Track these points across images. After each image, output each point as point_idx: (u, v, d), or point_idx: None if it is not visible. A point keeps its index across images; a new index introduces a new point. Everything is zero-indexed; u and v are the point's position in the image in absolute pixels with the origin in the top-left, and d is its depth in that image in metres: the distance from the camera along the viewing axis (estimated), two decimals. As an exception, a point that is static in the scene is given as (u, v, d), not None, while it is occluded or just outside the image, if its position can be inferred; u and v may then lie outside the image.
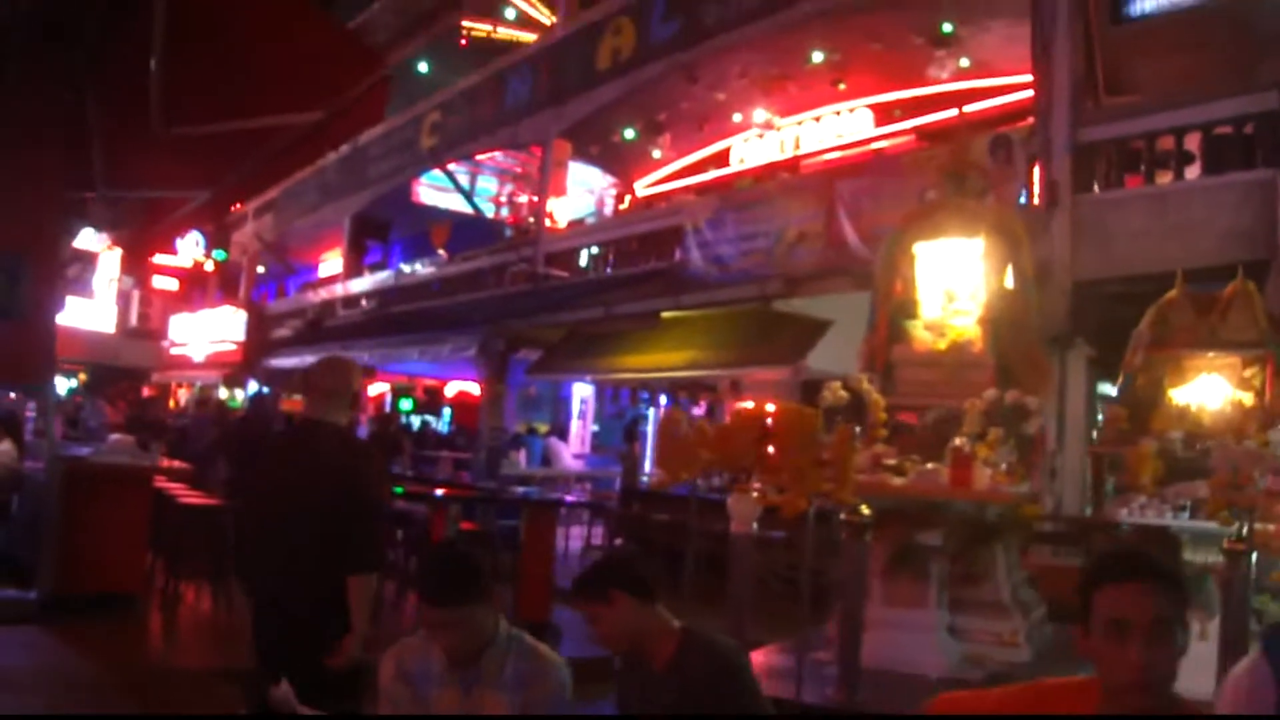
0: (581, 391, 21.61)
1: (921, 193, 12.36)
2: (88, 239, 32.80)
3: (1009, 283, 8.78)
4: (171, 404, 33.58)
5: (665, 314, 13.64)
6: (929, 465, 7.41)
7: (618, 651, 3.70)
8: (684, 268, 15.59)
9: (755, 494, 6.32)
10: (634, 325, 14.17)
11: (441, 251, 24.81)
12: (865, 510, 6.59)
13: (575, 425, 22.11)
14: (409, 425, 24.14)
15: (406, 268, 25.44)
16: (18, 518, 10.36)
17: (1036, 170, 12.44)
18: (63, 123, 9.60)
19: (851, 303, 12.28)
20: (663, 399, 20.86)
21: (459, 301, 21.05)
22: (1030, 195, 13.06)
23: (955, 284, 8.87)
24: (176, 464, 11.07)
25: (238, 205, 22.97)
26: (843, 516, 6.66)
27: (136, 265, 31.95)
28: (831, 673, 7.09)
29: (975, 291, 8.76)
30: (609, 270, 19.51)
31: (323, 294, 28.33)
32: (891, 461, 7.59)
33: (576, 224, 23.09)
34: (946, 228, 8.91)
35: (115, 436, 10.50)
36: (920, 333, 8.76)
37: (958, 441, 7.45)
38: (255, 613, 4.85)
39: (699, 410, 18.30)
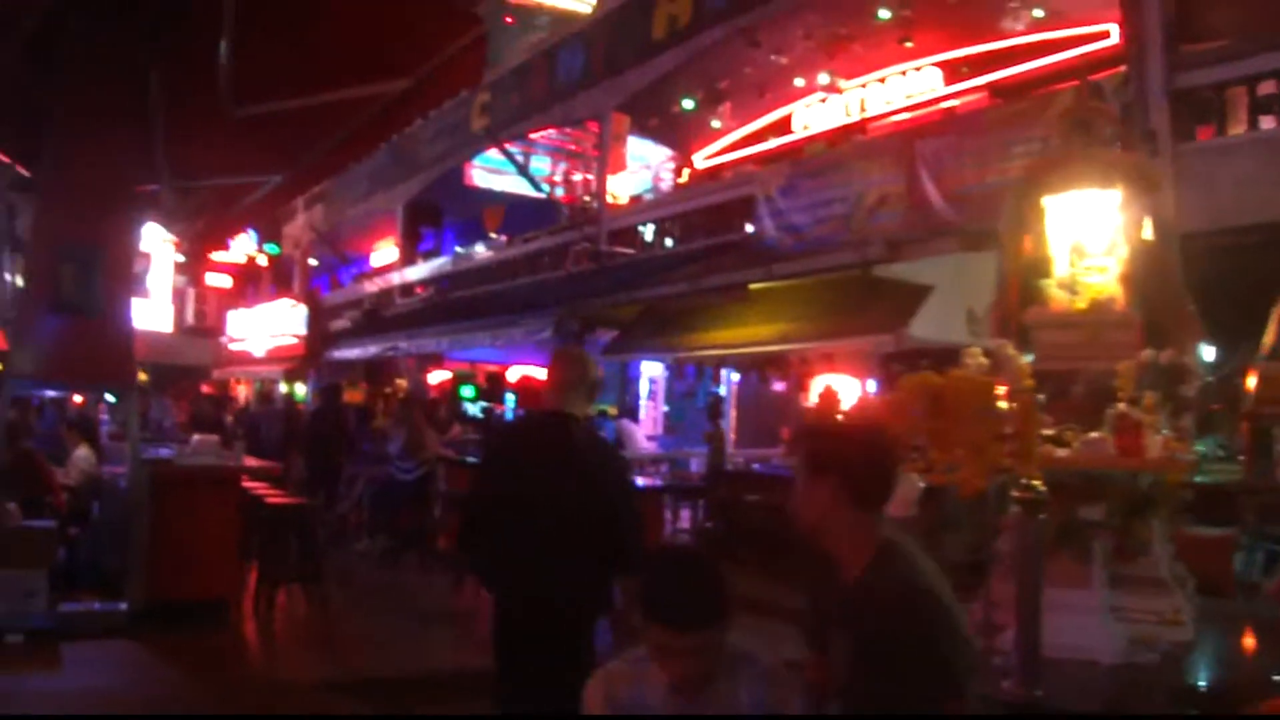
0: (651, 371, 20.98)
1: (1006, 147, 11.68)
2: (149, 236, 32.65)
3: (1146, 234, 8.06)
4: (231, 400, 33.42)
5: (753, 285, 12.96)
6: (1092, 434, 6.71)
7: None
8: (757, 239, 14.93)
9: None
10: (720, 299, 13.51)
11: (498, 235, 24.20)
12: (1040, 485, 5.92)
13: (645, 406, 21.46)
14: (465, 412, 23.59)
15: (463, 252, 24.86)
16: (99, 524, 9.88)
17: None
18: (128, 110, 9.08)
19: (949, 265, 11.65)
20: (734, 376, 20.25)
21: (524, 284, 20.50)
22: (1126, 146, 12.27)
23: (1086, 238, 8.16)
24: (257, 462, 10.55)
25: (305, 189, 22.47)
26: (1015, 493, 5.99)
27: (200, 260, 31.68)
28: (1000, 662, 6.42)
29: (1111, 245, 8.04)
30: (670, 245, 18.93)
31: (378, 283, 27.84)
32: (1049, 431, 6.89)
33: (635, 199, 22.41)
34: (1078, 178, 8.17)
35: (197, 437, 10.00)
36: (1055, 292, 8.04)
37: (1121, 407, 6.74)
38: (500, 611, 4.53)
39: (780, 386, 17.66)
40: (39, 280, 8.51)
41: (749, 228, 16.71)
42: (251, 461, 10.22)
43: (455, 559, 11.68)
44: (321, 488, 11.99)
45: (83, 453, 10.40)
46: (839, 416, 12.53)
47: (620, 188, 21.12)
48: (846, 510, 2.96)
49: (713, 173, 21.80)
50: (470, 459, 13.64)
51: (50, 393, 13.20)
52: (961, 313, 12.56)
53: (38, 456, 9.72)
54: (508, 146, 21.17)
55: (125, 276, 8.65)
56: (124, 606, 8.51)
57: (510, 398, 27.50)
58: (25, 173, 9.60)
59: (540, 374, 27.46)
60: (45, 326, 8.45)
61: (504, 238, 23.42)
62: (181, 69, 8.59)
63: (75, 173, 8.43)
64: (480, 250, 23.86)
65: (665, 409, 21.99)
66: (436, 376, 26.87)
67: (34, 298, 8.51)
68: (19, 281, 8.72)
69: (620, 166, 20.90)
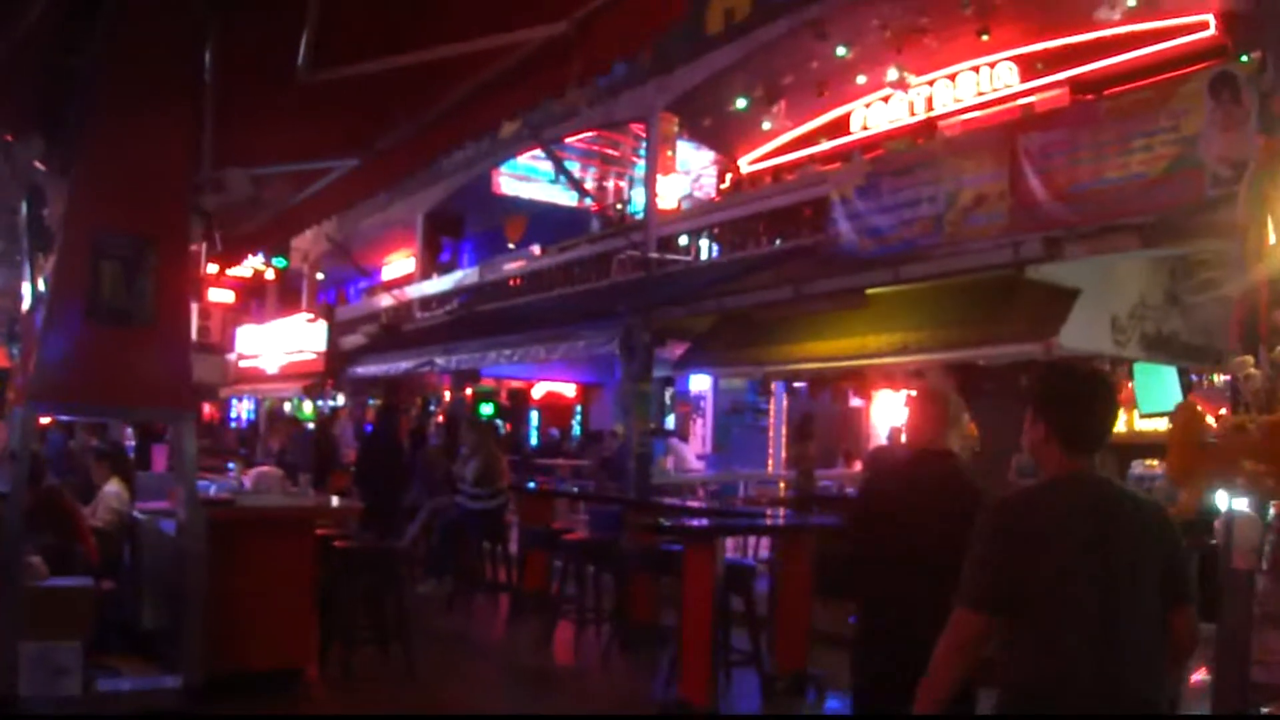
0: (698, 385, 19.18)
1: (1125, 141, 10.08)
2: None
3: None
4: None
5: (872, 290, 11.19)
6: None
7: None
8: (831, 243, 13.23)
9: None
10: (813, 307, 11.74)
11: (533, 248, 22.36)
12: None
13: (692, 425, 19.65)
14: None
15: (492, 262, 23.04)
16: (135, 576, 7.97)
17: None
18: (185, 78, 7.27)
19: (1087, 269, 10.02)
20: (784, 394, 18.52)
21: (566, 294, 18.70)
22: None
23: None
24: (338, 501, 8.68)
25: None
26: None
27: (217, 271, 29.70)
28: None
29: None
30: (717, 253, 17.21)
31: (392, 297, 25.96)
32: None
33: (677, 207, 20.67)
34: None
35: (262, 469, 8.12)
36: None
37: None
38: (877, 647, 4.40)
39: (857, 402, 15.95)
40: (71, 280, 6.59)
41: (822, 232, 15.15)
42: (332, 500, 8.35)
43: (539, 601, 9.93)
44: (379, 522, 10.15)
45: (113, 489, 8.52)
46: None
47: (664, 193, 19.33)
48: (1055, 450, 3.06)
49: (759, 177, 20.06)
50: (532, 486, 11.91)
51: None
52: (1103, 320, 10.58)
53: (65, 497, 7.82)
54: (545, 150, 19.27)
55: (181, 276, 6.76)
56: (176, 682, 6.62)
57: (534, 415, 25.67)
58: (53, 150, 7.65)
59: (567, 389, 25.83)
60: (79, 336, 6.56)
61: (536, 248, 21.58)
62: (242, 32, 6.77)
63: (121, 150, 6.57)
64: (511, 261, 22.02)
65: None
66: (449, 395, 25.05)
67: (64, 301, 6.60)
68: (42, 283, 6.66)
69: (669, 169, 19.14)
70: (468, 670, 8.51)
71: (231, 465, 10.17)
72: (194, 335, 30.76)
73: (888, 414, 17.08)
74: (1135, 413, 12.44)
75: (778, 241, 16.08)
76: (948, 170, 12.01)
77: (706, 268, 15.83)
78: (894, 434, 14.36)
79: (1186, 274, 10.89)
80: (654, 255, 17.01)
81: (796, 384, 16.14)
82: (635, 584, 8.78)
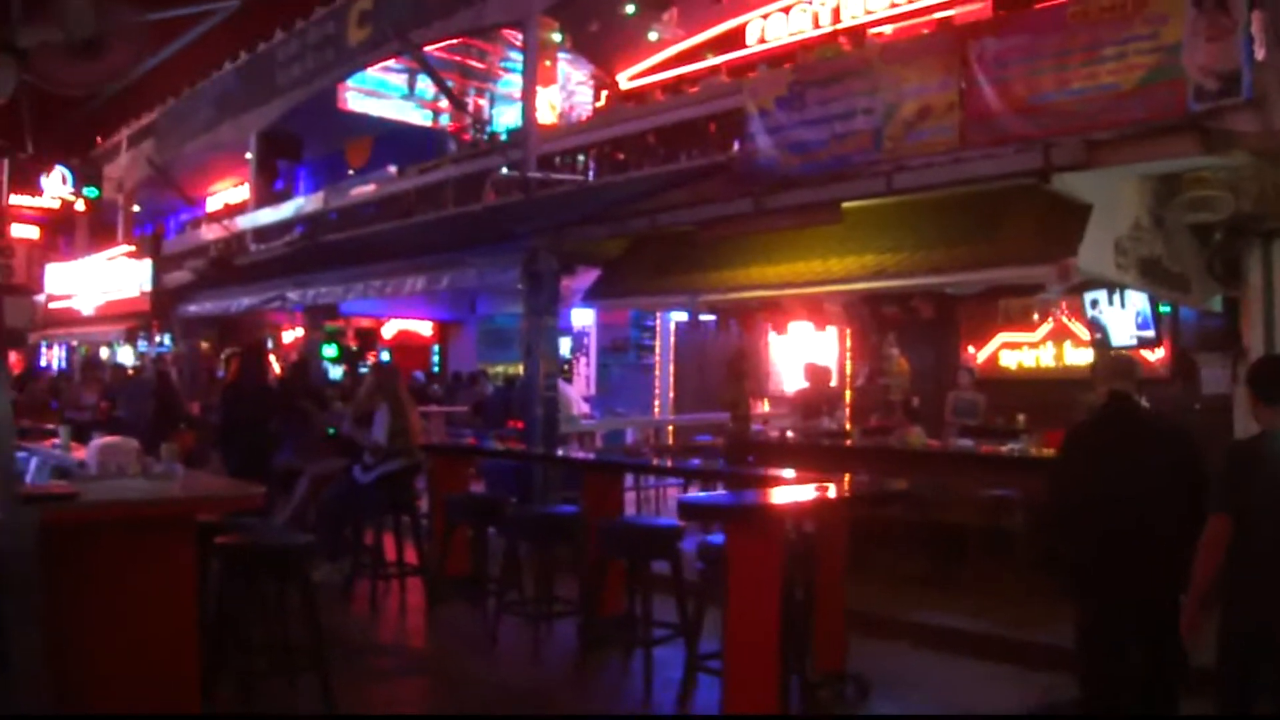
0: (581, 320, 16.95)
1: (1094, 49, 8.51)
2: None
3: None
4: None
5: (849, 204, 9.19)
6: None
7: None
8: (748, 160, 11.21)
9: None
10: (800, 221, 9.68)
11: (389, 168, 19.58)
12: None
13: (575, 364, 17.43)
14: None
15: (335, 190, 20.19)
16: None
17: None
18: None
19: (1088, 182, 8.34)
20: (672, 324, 16.52)
21: (432, 220, 16.16)
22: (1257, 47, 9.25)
23: None
24: (225, 484, 6.07)
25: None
26: None
27: (12, 190, 25.88)
28: None
29: None
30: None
31: (224, 226, 22.77)
32: None
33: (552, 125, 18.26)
34: None
35: (108, 440, 5.56)
36: None
37: None
38: (1094, 618, 4.80)
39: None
40: None
41: (730, 149, 13.18)
42: (214, 483, 5.79)
43: (467, 589, 7.69)
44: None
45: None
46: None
47: (541, 108, 16.93)
48: (1260, 407, 4.29)
49: (643, 93, 17.83)
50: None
51: None
52: (1106, 242, 8.95)
53: None
54: (411, 52, 16.53)
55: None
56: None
57: (385, 356, 22.93)
58: None
59: (422, 328, 23.20)
60: None
61: (393, 168, 18.87)
62: None
63: None
64: (363, 185, 19.25)
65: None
66: (290, 335, 22.15)
67: None
68: None
69: (550, 80, 16.73)
70: (404, 696, 6.22)
71: (59, 431, 7.49)
72: (-7, 274, 27.10)
73: (793, 349, 15.29)
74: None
75: (682, 159, 13.99)
76: (886, 79, 10.13)
77: (602, 187, 13.59)
78: (810, 371, 12.49)
79: (1169, 194, 9.39)
80: (536, 175, 14.63)
81: (704, 316, 14.20)
82: (603, 569, 6.62)
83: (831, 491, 5.99)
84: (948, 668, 6.90)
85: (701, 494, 7.05)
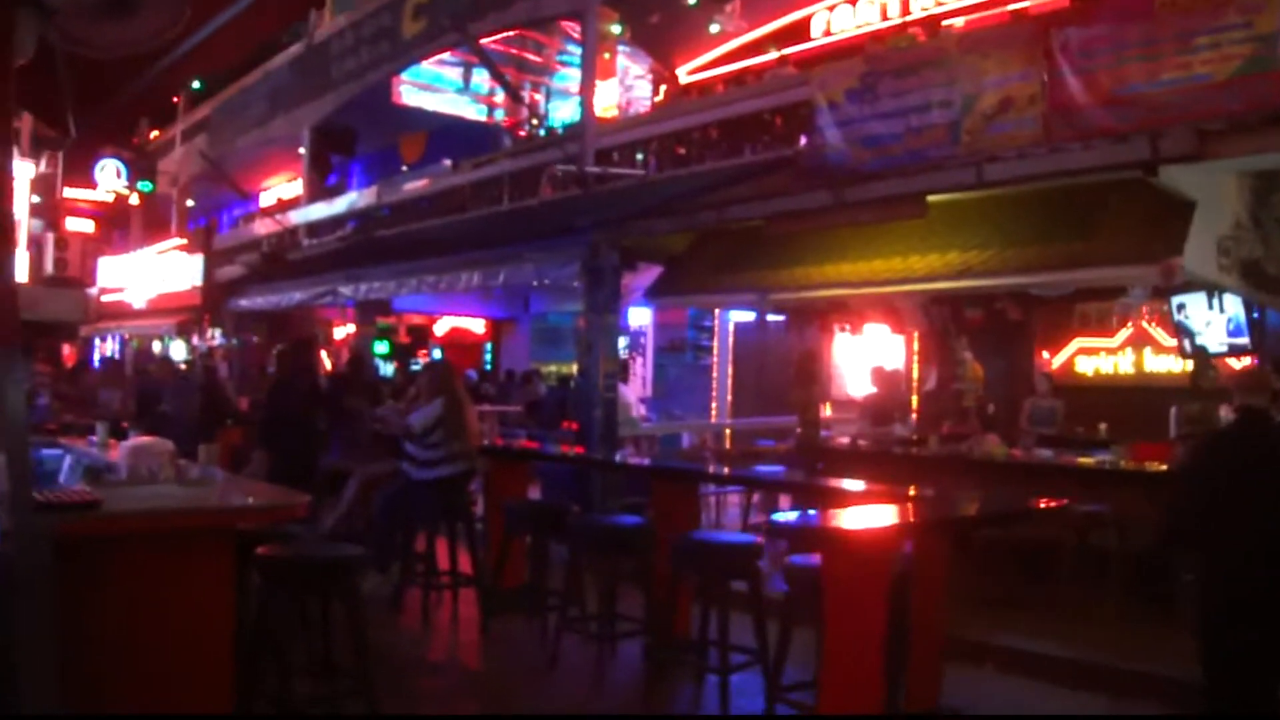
0: (638, 320, 16.39)
1: (1186, 39, 7.88)
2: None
3: None
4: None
5: (935, 198, 8.56)
6: None
7: None
8: (816, 154, 10.60)
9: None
10: (881, 216, 9.06)
11: (443, 162, 19.11)
12: None
13: (631, 364, 16.89)
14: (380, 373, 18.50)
15: (388, 185, 19.73)
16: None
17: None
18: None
19: (1193, 177, 7.70)
20: (729, 321, 15.90)
21: (485, 215, 15.65)
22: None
23: None
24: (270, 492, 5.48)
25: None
26: None
27: (58, 196, 25.73)
28: None
29: None
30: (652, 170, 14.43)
31: (273, 223, 22.38)
32: None
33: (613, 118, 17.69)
34: None
35: (141, 440, 5.05)
36: None
37: None
38: (1225, 612, 4.69)
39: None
40: None
41: (797, 143, 12.58)
42: (256, 490, 5.25)
43: (524, 603, 7.15)
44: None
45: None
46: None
47: (600, 101, 16.39)
48: None
49: (704, 87, 17.24)
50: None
51: None
52: (1209, 242, 8.23)
53: None
54: (469, 43, 16.02)
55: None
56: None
57: (437, 354, 22.50)
58: None
59: (475, 325, 22.74)
60: None
61: (448, 162, 18.39)
62: None
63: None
64: (417, 180, 18.79)
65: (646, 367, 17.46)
66: (341, 331, 21.76)
67: None
68: None
69: (609, 73, 16.18)
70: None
71: (98, 428, 7.03)
72: (49, 268, 26.99)
73: (857, 351, 14.64)
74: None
75: (746, 153, 13.39)
76: (964, 70, 9.55)
77: (664, 181, 12.99)
78: (880, 376, 11.86)
79: (1268, 192, 8.75)
80: (594, 169, 14.07)
81: (772, 316, 13.63)
82: (675, 588, 6.04)
83: (944, 510, 5.38)
84: (1040, 697, 6.31)
85: (791, 513, 6.41)
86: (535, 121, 20.30)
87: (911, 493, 5.46)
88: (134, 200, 28.02)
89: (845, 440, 10.66)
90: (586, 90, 14.80)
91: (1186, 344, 11.18)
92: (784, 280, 9.74)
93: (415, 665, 6.54)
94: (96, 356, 27.52)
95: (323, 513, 8.20)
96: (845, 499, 5.59)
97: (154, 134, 30.77)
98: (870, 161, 10.19)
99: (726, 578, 5.67)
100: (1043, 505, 5.37)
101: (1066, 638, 7.13)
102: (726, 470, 8.87)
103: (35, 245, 27.62)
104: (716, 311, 15.75)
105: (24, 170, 27.45)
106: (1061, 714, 6.02)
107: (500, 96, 20.82)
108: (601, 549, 6.37)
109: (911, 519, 5.03)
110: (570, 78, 19.82)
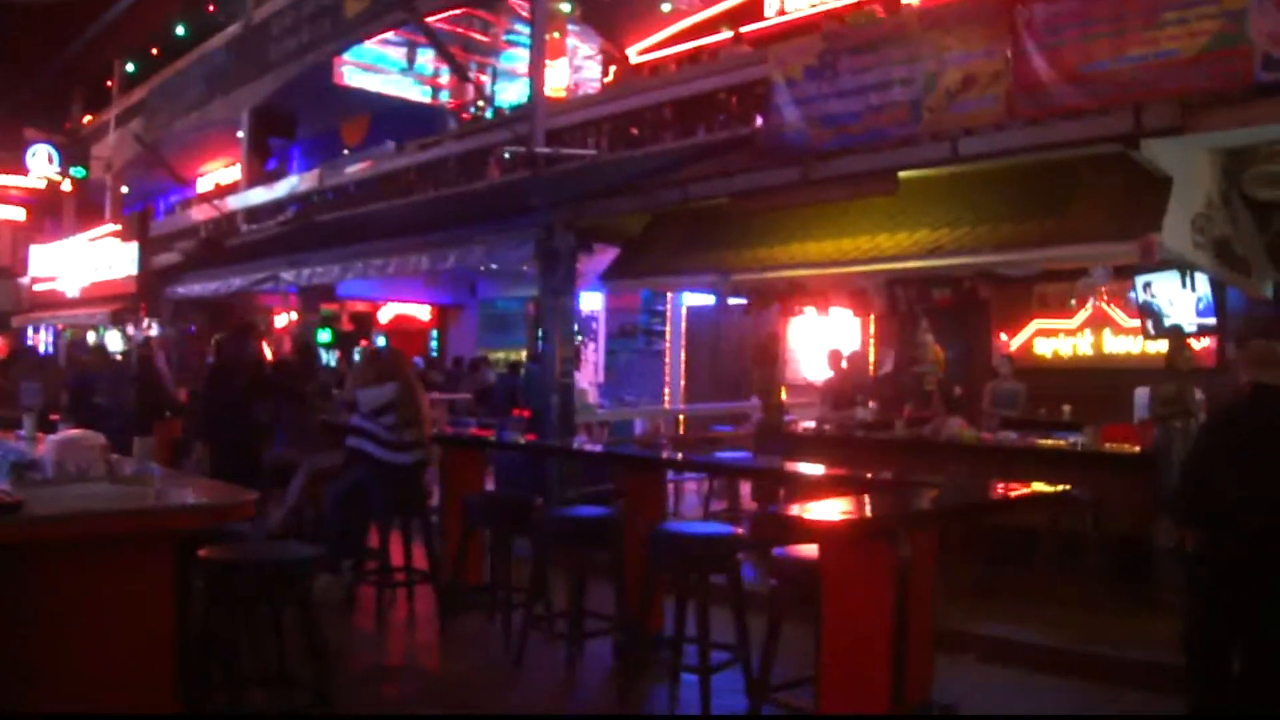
0: (589, 304, 15.98)
1: (1154, 14, 7.70)
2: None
3: None
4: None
5: (905, 174, 8.24)
6: None
7: None
8: (774, 133, 10.30)
9: None
10: (851, 192, 8.73)
11: (386, 144, 18.55)
12: None
13: (583, 350, 16.46)
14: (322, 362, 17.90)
15: (330, 168, 19.12)
16: None
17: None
18: None
19: (1176, 154, 7.50)
20: (682, 305, 15.56)
21: (433, 198, 15.18)
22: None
23: None
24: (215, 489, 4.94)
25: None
26: None
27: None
28: None
29: None
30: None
31: (209, 209, 21.69)
32: None
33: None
34: None
35: (69, 434, 4.53)
36: None
37: None
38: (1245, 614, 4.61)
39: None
40: None
41: (751, 123, 12.30)
42: (197, 487, 4.74)
43: (484, 601, 6.76)
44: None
45: None
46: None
47: (550, 82, 15.93)
48: None
49: (656, 67, 16.84)
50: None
51: None
52: (1184, 219, 8.06)
53: None
54: (415, 21, 15.47)
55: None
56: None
57: (381, 341, 21.94)
58: None
59: (420, 312, 22.17)
60: None
61: (391, 144, 17.84)
62: None
63: None
64: (359, 162, 18.21)
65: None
66: (282, 319, 21.12)
67: None
68: None
69: (559, 52, 15.72)
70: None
71: (24, 421, 6.50)
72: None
73: (811, 334, 14.37)
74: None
75: (701, 134, 13.04)
76: (926, 47, 9.29)
77: (621, 162, 12.60)
78: (836, 359, 11.59)
79: (1239, 170, 8.57)
80: (544, 150, 13.62)
81: (734, 300, 13.26)
82: (651, 583, 5.66)
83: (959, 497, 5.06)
84: (1025, 687, 6.07)
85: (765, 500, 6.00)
86: (481, 103, 19.78)
87: (914, 479, 5.11)
88: (66, 187, 27.09)
89: (811, 424, 10.36)
90: (536, 69, 14.32)
91: (1150, 325, 11.00)
92: (747, 261, 9.40)
93: (373, 670, 6.13)
94: (33, 347, 26.62)
95: (269, 507, 7.72)
96: (838, 486, 5.24)
97: (87, 118, 29.80)
98: (830, 140, 9.89)
99: (706, 571, 5.31)
100: (1044, 490, 5.02)
101: (1045, 624, 6.89)
102: (682, 457, 8.47)
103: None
104: (669, 295, 15.40)
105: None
106: (1053, 710, 5.75)
107: (445, 77, 20.28)
108: (569, 542, 5.98)
109: (919, 506, 4.68)
110: (517, 58, 19.32)
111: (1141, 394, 8.94)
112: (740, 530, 5.41)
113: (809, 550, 4.70)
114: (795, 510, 4.12)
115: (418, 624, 7.05)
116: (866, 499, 4.86)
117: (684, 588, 5.53)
